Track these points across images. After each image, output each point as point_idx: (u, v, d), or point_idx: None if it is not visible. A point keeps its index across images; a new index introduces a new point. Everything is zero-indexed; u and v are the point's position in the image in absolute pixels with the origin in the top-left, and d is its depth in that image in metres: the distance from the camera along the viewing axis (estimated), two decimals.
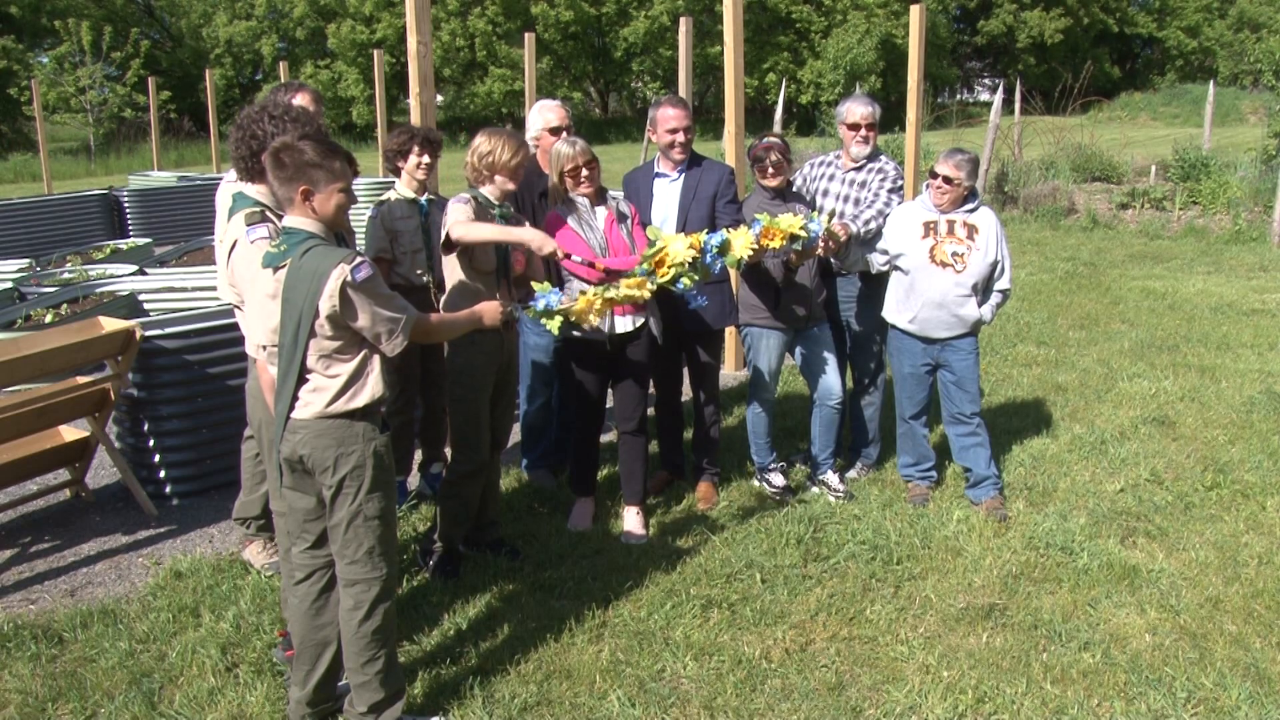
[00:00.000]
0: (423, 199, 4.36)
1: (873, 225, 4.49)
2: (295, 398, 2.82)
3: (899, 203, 4.59)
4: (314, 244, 2.76)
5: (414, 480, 4.84)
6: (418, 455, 4.83)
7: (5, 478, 4.41)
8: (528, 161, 3.84)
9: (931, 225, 4.41)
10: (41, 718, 3.16)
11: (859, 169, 4.70)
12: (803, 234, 3.95)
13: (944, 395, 4.60)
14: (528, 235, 3.63)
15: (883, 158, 4.74)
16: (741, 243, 3.80)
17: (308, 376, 2.81)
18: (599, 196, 4.10)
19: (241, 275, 3.15)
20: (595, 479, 4.50)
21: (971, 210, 4.43)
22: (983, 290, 4.44)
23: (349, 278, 2.68)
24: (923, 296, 4.40)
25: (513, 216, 3.85)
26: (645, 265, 3.67)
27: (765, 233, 3.87)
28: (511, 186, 3.79)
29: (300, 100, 3.89)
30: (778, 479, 4.70)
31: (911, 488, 4.71)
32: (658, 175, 4.52)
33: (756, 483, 4.79)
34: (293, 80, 4.17)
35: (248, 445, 3.98)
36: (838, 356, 4.67)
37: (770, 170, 4.39)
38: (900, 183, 4.67)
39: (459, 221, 3.57)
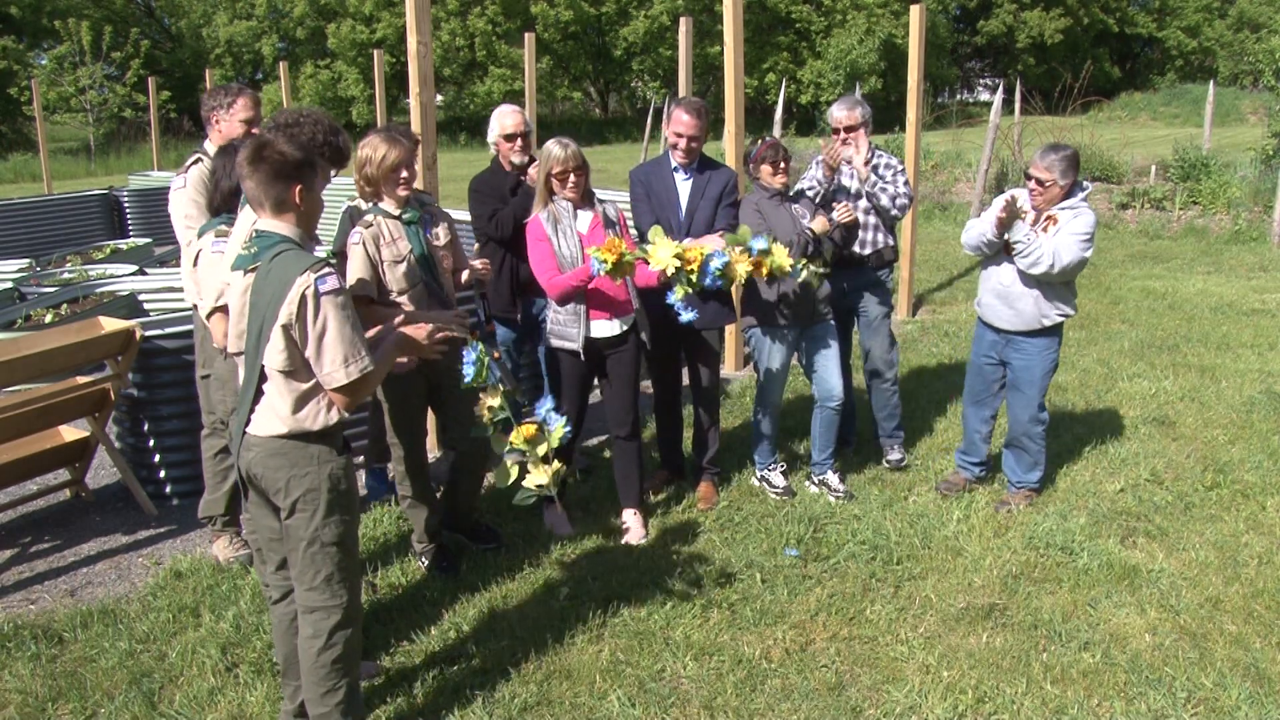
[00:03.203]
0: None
1: (885, 201, 4.69)
2: (253, 411, 2.70)
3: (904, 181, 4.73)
4: (285, 248, 2.64)
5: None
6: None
7: (5, 478, 4.41)
8: (408, 158, 3.65)
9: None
10: (41, 718, 3.17)
11: (865, 163, 4.77)
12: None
13: (1007, 395, 4.59)
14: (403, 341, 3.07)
15: (882, 153, 4.83)
16: (742, 268, 3.87)
17: (264, 388, 2.68)
18: (585, 200, 4.09)
19: None
20: (564, 486, 4.41)
21: (1067, 207, 4.20)
22: (1050, 287, 4.25)
23: (312, 287, 2.56)
24: (987, 284, 4.46)
25: (420, 218, 3.72)
26: (600, 257, 3.67)
27: (756, 264, 3.97)
28: (403, 192, 3.65)
29: (240, 103, 4.00)
30: (778, 479, 4.71)
31: (952, 474, 4.75)
32: (674, 170, 4.51)
33: (756, 483, 4.80)
34: (230, 84, 4.19)
35: (208, 443, 4.02)
36: (841, 353, 4.69)
37: (782, 166, 4.41)
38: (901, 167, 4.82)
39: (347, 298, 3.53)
